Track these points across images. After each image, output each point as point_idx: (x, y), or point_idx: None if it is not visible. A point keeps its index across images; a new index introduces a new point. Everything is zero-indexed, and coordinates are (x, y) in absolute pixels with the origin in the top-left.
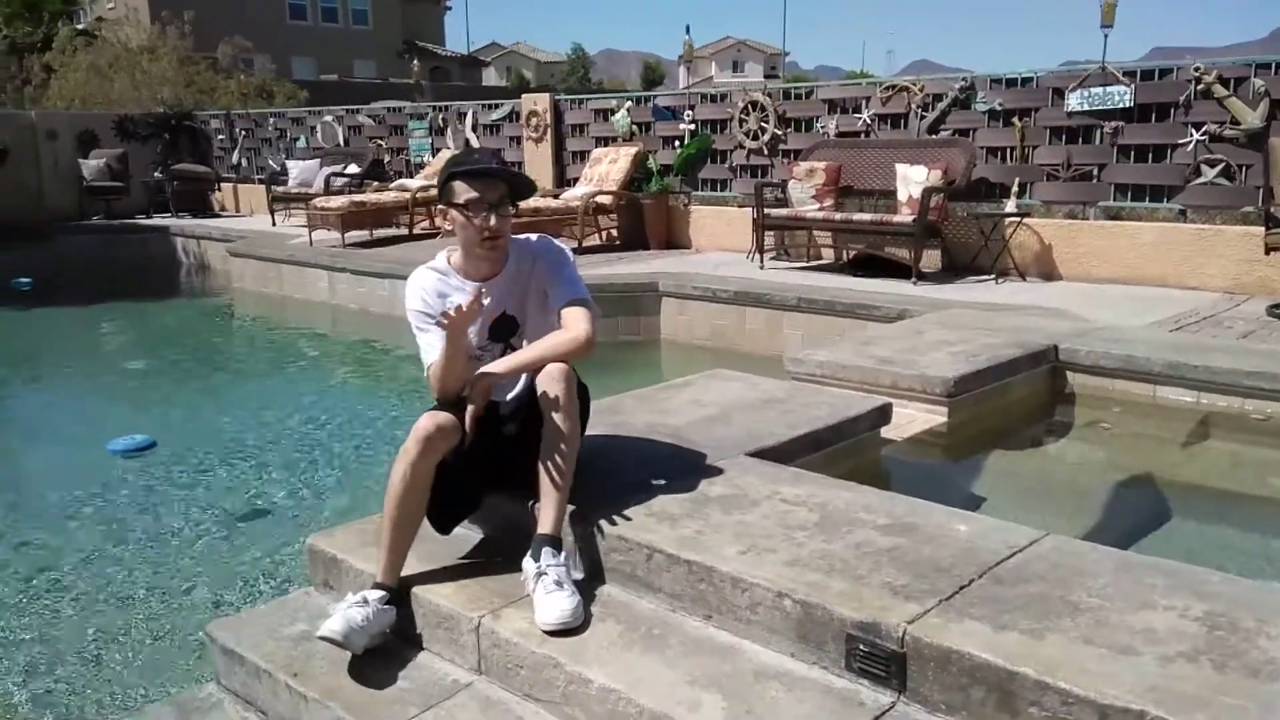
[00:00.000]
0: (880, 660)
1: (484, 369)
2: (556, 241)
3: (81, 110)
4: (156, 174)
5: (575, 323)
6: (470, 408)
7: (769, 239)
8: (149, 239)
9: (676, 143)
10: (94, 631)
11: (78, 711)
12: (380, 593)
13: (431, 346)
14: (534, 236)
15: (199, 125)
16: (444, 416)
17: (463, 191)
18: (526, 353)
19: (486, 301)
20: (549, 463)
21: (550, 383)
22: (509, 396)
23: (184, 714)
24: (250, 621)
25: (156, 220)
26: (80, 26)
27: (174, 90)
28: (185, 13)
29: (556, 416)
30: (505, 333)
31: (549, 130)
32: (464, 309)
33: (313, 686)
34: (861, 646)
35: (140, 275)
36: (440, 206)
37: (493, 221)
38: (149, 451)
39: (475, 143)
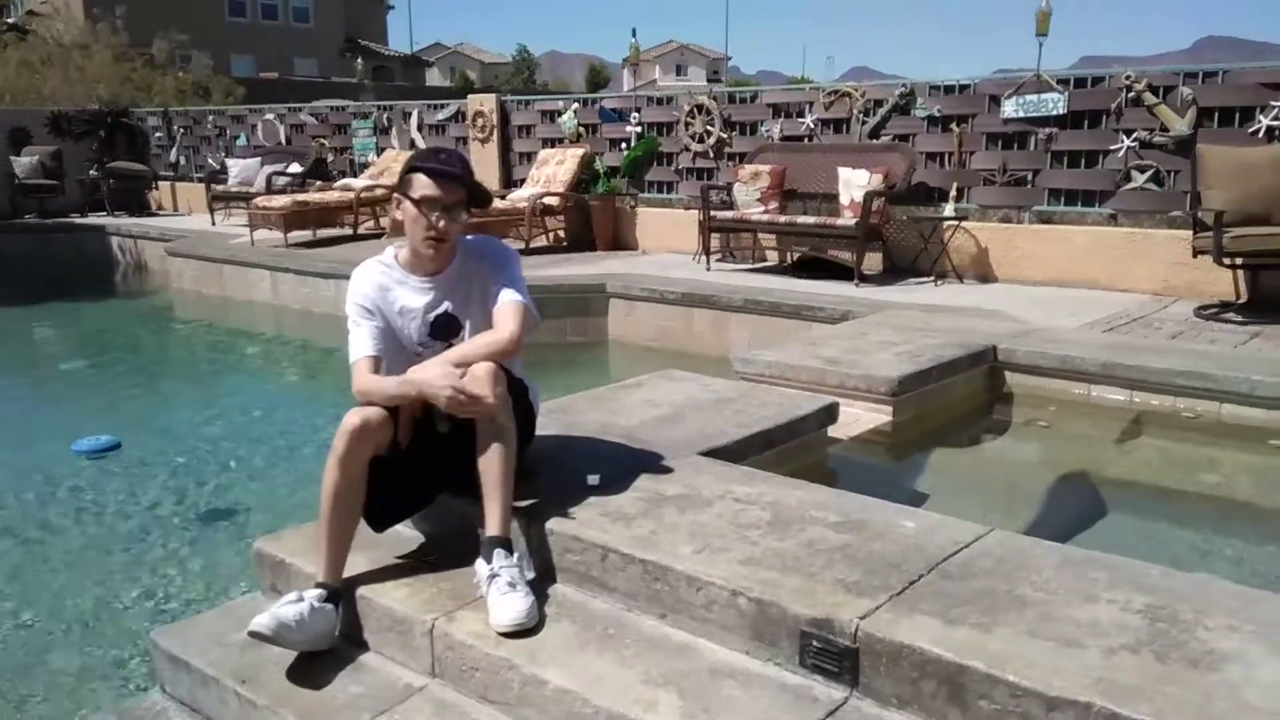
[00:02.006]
0: (833, 656)
1: (413, 369)
2: (503, 243)
3: (13, 106)
4: (92, 172)
5: (503, 322)
6: (403, 410)
7: (715, 241)
8: (84, 238)
9: (623, 145)
10: (32, 638)
11: (15, 716)
12: (318, 591)
13: (361, 341)
14: (481, 237)
15: (135, 122)
16: (371, 411)
17: (421, 187)
18: (453, 352)
19: (428, 296)
20: (486, 463)
21: (476, 383)
22: None
23: None
24: (196, 627)
25: (92, 219)
26: (10, 21)
27: (109, 87)
28: (118, 8)
29: (487, 417)
30: (447, 332)
31: (495, 131)
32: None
33: (262, 693)
34: (815, 643)
35: (76, 275)
36: (395, 195)
37: (442, 224)
38: (113, 452)
39: (421, 143)
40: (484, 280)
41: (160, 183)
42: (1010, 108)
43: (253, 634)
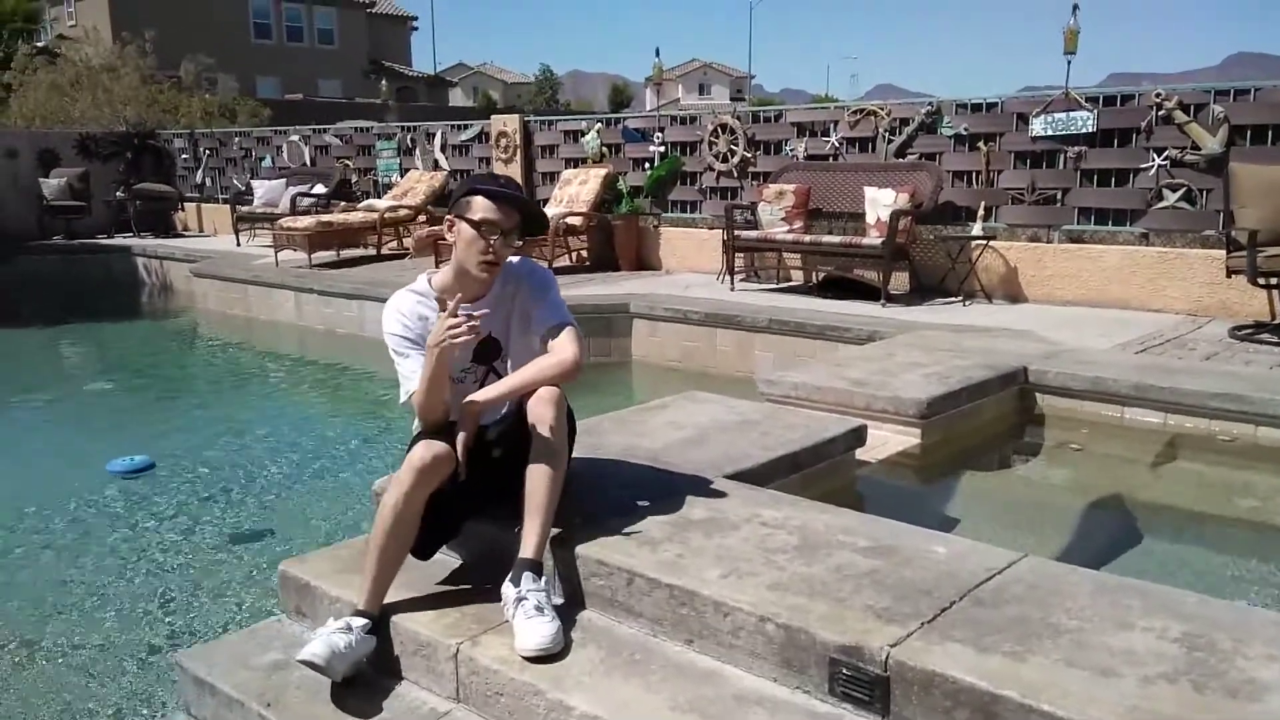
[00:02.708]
0: (864, 684)
1: (473, 396)
2: (540, 265)
3: (42, 129)
4: (119, 193)
5: (563, 346)
6: (461, 436)
7: (739, 261)
8: (111, 259)
9: (646, 164)
10: (60, 657)
11: None
12: (364, 620)
13: (412, 373)
14: (519, 259)
15: (162, 144)
16: (439, 446)
17: (481, 209)
18: (515, 378)
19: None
20: (536, 487)
21: (541, 406)
22: (495, 420)
23: None
24: (221, 650)
25: (119, 240)
26: (40, 44)
27: (137, 109)
28: (146, 31)
29: (545, 440)
30: (488, 355)
31: (518, 151)
32: (456, 321)
33: (287, 717)
34: (845, 670)
35: (102, 296)
36: (449, 216)
37: (500, 248)
38: (147, 472)
39: (444, 163)
40: (523, 302)
41: (186, 204)
42: (1039, 126)
43: (305, 662)
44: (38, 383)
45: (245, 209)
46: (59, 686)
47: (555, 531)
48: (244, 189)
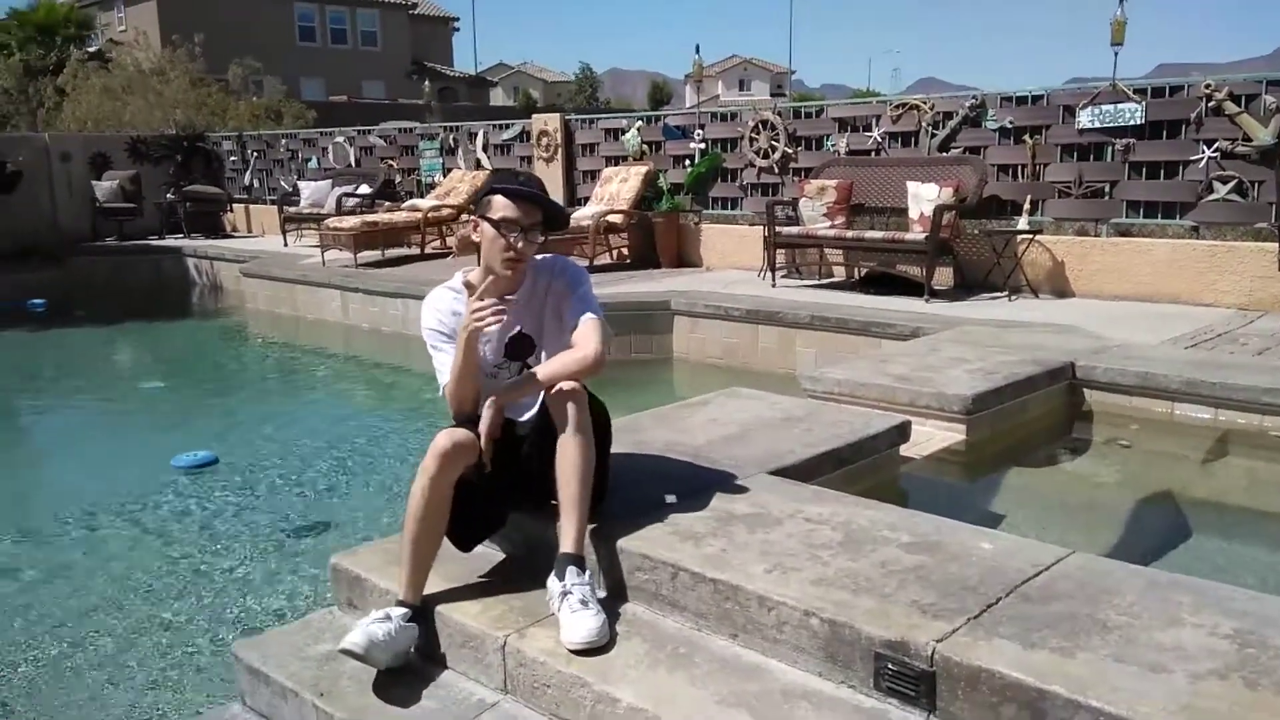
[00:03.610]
0: (909, 679)
1: (497, 390)
2: (573, 261)
3: (94, 132)
4: (169, 195)
5: (585, 341)
6: (482, 426)
7: (780, 257)
8: (162, 260)
9: (687, 161)
10: (121, 646)
11: None
12: (403, 610)
13: (445, 366)
14: (551, 256)
15: (211, 147)
16: (460, 433)
17: (501, 208)
18: (537, 372)
19: (495, 330)
20: (565, 481)
21: (561, 402)
22: (525, 416)
23: None
24: (275, 641)
25: (169, 241)
26: (92, 49)
27: (186, 112)
28: (195, 35)
29: (568, 435)
30: (522, 351)
31: (559, 150)
32: (481, 306)
33: (340, 706)
34: (890, 665)
35: (154, 296)
36: (473, 217)
37: (520, 245)
38: (210, 468)
39: (486, 163)
40: (556, 299)
41: (235, 205)
42: (1086, 118)
43: (344, 651)
44: (95, 381)
45: (292, 210)
46: (119, 674)
47: (594, 526)
48: (291, 190)
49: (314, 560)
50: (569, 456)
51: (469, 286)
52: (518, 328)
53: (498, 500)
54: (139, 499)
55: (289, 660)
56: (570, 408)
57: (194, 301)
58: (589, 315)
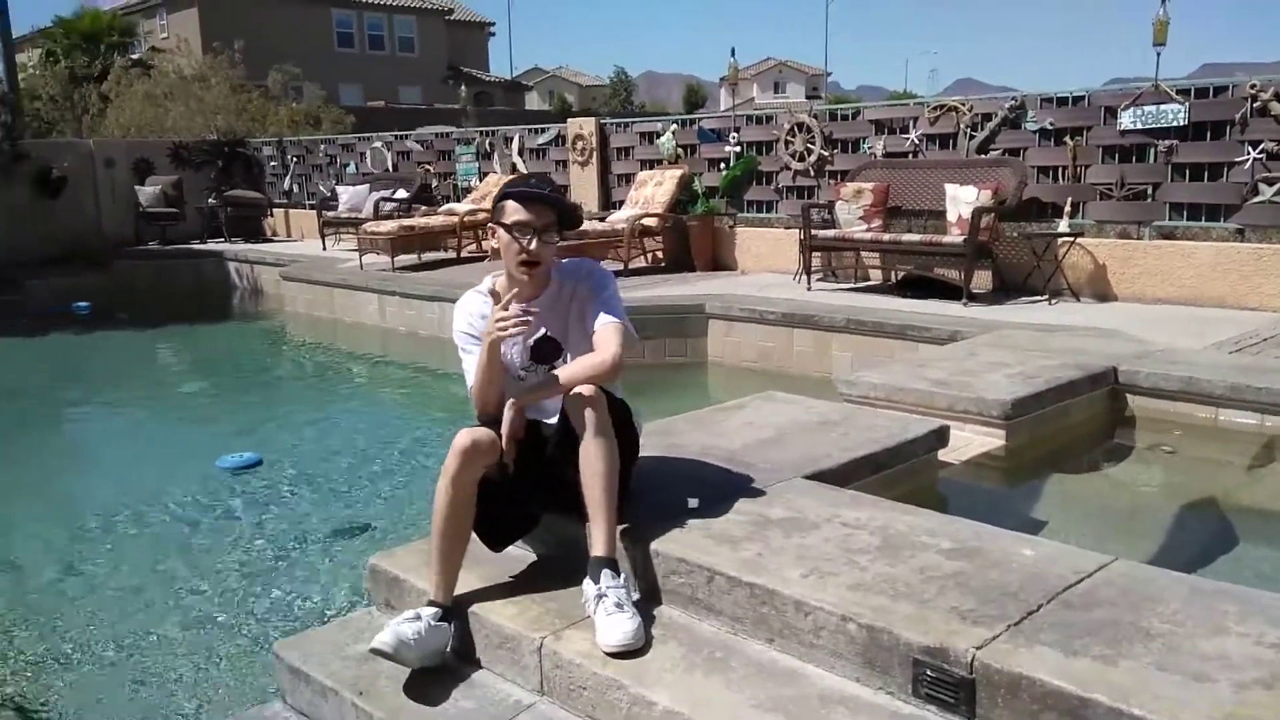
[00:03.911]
0: (949, 686)
1: (516, 392)
2: (599, 265)
3: (137, 138)
4: (210, 200)
5: (604, 345)
6: (505, 429)
7: (816, 260)
8: (204, 264)
9: (722, 165)
10: (163, 645)
11: None
12: (433, 610)
13: (473, 368)
14: (578, 260)
15: (251, 152)
16: (480, 432)
17: (513, 212)
18: (556, 375)
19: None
20: (589, 485)
21: (578, 406)
22: (552, 418)
23: None
24: (316, 640)
25: (211, 245)
26: (135, 57)
27: (227, 118)
28: (236, 42)
29: (589, 438)
30: (548, 355)
31: (594, 154)
32: (504, 316)
33: (378, 705)
34: (929, 672)
35: (196, 299)
36: (490, 224)
37: (533, 246)
38: (255, 468)
39: (522, 167)
40: (581, 303)
41: (274, 210)
42: (1128, 119)
43: (374, 651)
44: (139, 383)
45: (331, 214)
46: (161, 671)
47: (626, 528)
48: (329, 195)
49: (354, 561)
50: (590, 460)
51: (494, 295)
52: (543, 331)
53: (525, 501)
54: (184, 499)
55: (329, 659)
56: (588, 412)
57: (235, 305)
58: (610, 319)
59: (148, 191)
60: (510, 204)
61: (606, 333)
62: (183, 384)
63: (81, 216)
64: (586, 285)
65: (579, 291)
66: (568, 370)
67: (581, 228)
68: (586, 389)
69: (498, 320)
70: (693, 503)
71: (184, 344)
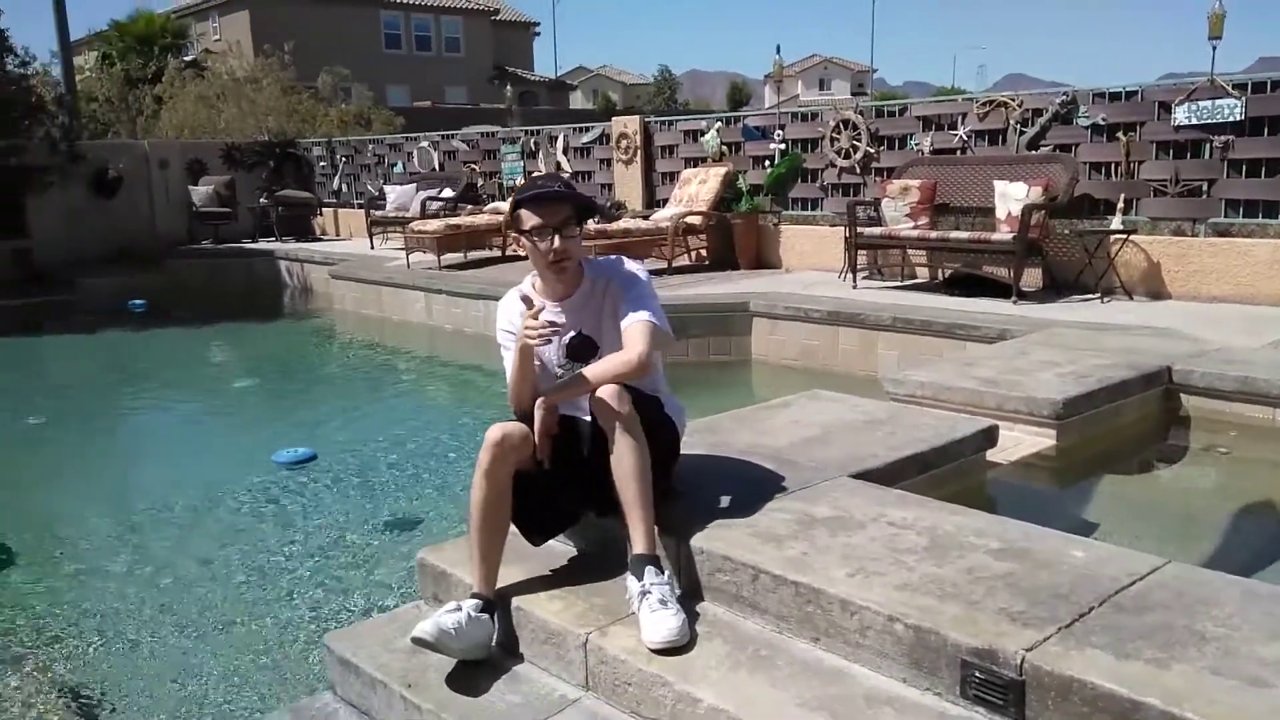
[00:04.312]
0: (998, 688)
1: (546, 391)
2: (631, 263)
3: (190, 139)
4: (262, 200)
5: (631, 343)
6: (537, 427)
7: (861, 258)
8: (255, 263)
9: (766, 162)
10: (220, 635)
11: (196, 713)
12: (475, 601)
13: (512, 364)
14: (609, 258)
15: (301, 152)
16: (512, 426)
17: (528, 218)
18: (584, 374)
19: (561, 320)
20: (622, 483)
21: (604, 405)
22: (589, 416)
23: None
24: (365, 632)
25: (262, 244)
26: (188, 59)
27: (278, 119)
28: (286, 44)
29: (617, 437)
30: (584, 353)
31: (639, 152)
32: (534, 317)
33: (426, 698)
34: (977, 674)
35: (247, 297)
36: (512, 234)
37: (557, 244)
38: (309, 464)
39: (567, 166)
40: (613, 300)
41: (324, 209)
42: (1182, 115)
43: (415, 640)
44: (193, 379)
45: (378, 213)
46: (215, 660)
47: (674, 526)
48: (377, 194)
49: (406, 554)
50: (621, 459)
51: (526, 300)
52: (578, 329)
53: (562, 496)
54: (241, 493)
55: (378, 652)
56: (612, 411)
57: (285, 303)
58: (638, 317)
59: (201, 191)
60: (523, 211)
61: (634, 330)
62: (235, 380)
63: (137, 216)
64: (617, 283)
65: (610, 289)
66: (594, 369)
67: (626, 226)
68: (608, 389)
69: (526, 328)
70: (761, 503)
71: (236, 341)
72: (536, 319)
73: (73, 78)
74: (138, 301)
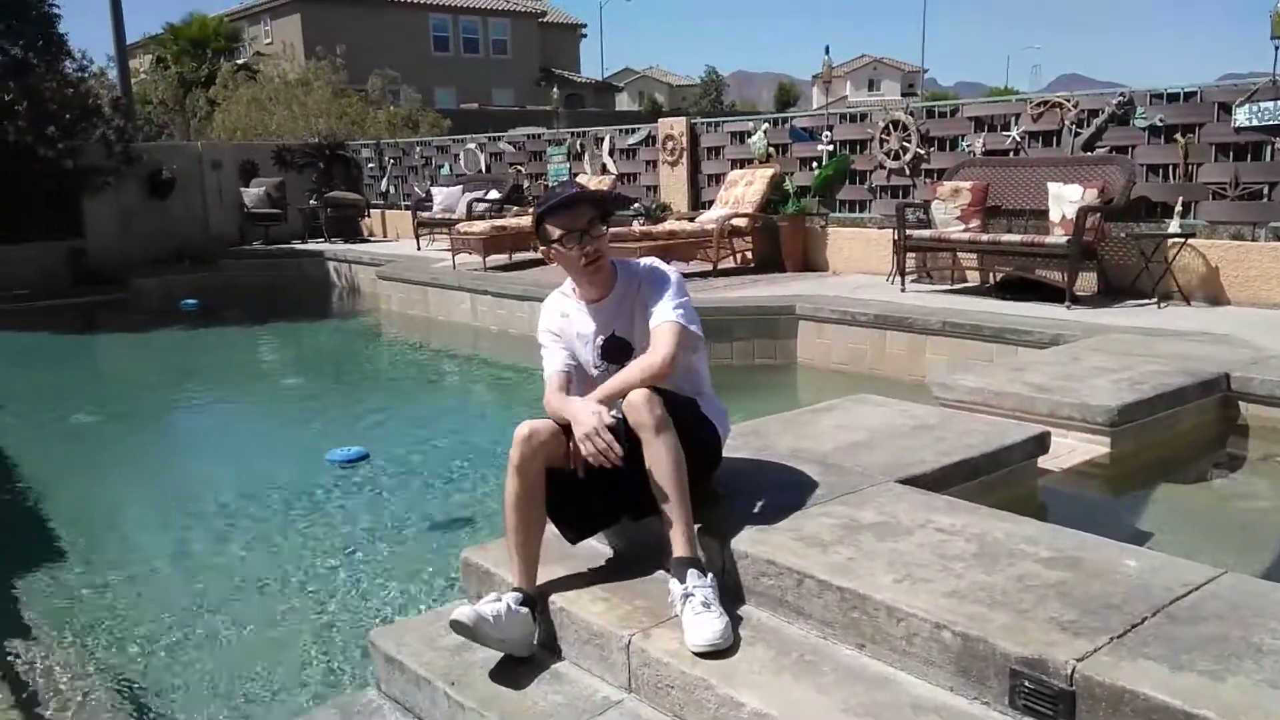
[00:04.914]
0: (1047, 698)
1: (570, 399)
2: (661, 263)
3: (243, 141)
4: (311, 201)
5: (658, 345)
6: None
7: (910, 261)
8: (304, 263)
9: (814, 164)
10: (269, 630)
11: (244, 707)
12: (516, 594)
13: (551, 359)
14: (642, 260)
15: (351, 154)
16: (540, 422)
17: (554, 229)
18: (612, 382)
19: (596, 326)
20: (657, 487)
21: (633, 410)
22: (621, 418)
23: (346, 718)
24: (410, 630)
25: (311, 245)
26: (241, 62)
27: (328, 121)
28: (337, 47)
29: (649, 440)
30: (618, 354)
31: (685, 154)
32: (599, 434)
33: (469, 695)
34: (1027, 683)
35: (297, 297)
36: (542, 248)
37: (587, 247)
38: (362, 462)
39: (613, 167)
40: (644, 301)
41: (372, 210)
42: (1243, 116)
43: (453, 624)
44: (246, 377)
45: (425, 215)
46: (263, 655)
47: (719, 525)
48: (424, 196)
49: (453, 554)
50: (657, 462)
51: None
52: (612, 331)
53: (598, 497)
54: (294, 490)
55: (422, 649)
56: (643, 415)
57: (333, 303)
58: (665, 319)
59: (252, 193)
60: (547, 224)
61: (661, 332)
62: (286, 378)
63: (190, 217)
64: (648, 283)
65: (642, 289)
66: (622, 375)
67: (671, 228)
68: (638, 394)
69: (585, 435)
70: (806, 507)
71: (286, 340)
72: (603, 438)
73: (129, 80)
74: (190, 300)
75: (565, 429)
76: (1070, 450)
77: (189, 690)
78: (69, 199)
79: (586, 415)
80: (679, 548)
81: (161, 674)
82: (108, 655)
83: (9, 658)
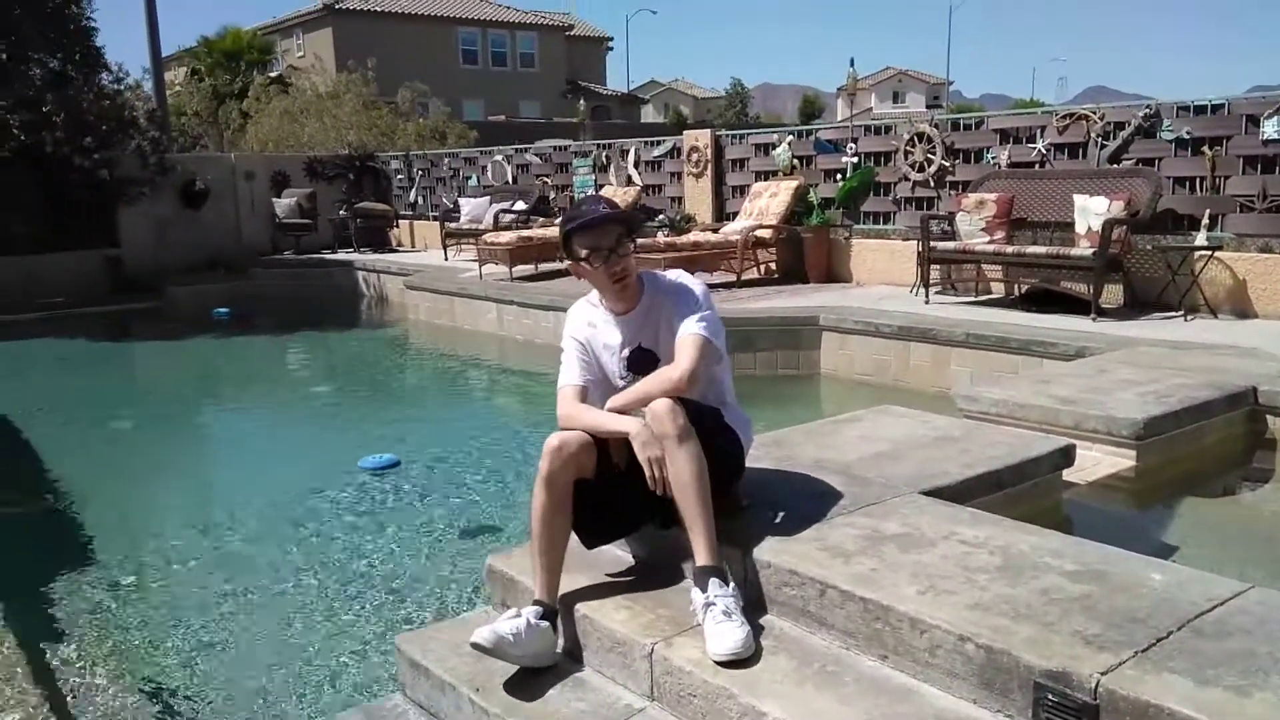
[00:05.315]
0: (1071, 712)
1: (610, 408)
2: (687, 275)
3: (275, 152)
4: (341, 212)
5: (679, 359)
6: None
7: (934, 273)
8: (334, 272)
9: (838, 176)
10: (297, 634)
11: (271, 709)
12: (535, 609)
13: (569, 370)
14: (667, 272)
15: (380, 166)
16: (570, 435)
17: (581, 247)
18: (631, 392)
19: (622, 339)
20: (680, 496)
21: (657, 420)
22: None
23: None
24: (435, 636)
25: (341, 255)
26: (273, 75)
27: (358, 133)
28: (368, 60)
29: (671, 450)
30: (643, 366)
31: (709, 165)
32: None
33: (494, 702)
34: (1050, 696)
35: (326, 307)
36: (569, 266)
37: (614, 266)
38: (394, 469)
39: (637, 179)
40: (669, 314)
41: (400, 221)
42: (1271, 128)
43: (473, 645)
44: (277, 385)
45: (453, 225)
46: (290, 659)
47: (741, 535)
48: (452, 207)
49: (479, 560)
50: (679, 472)
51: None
52: (639, 343)
53: (623, 505)
54: (325, 496)
55: (447, 656)
56: (663, 425)
57: (362, 312)
58: (688, 332)
59: (284, 203)
60: (575, 241)
61: (683, 345)
62: (317, 386)
63: (223, 226)
64: (672, 297)
65: (667, 303)
66: (642, 386)
67: (696, 239)
68: (661, 404)
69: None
70: (829, 518)
71: (317, 348)
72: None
73: (164, 92)
74: (222, 309)
75: (596, 440)
76: (1095, 463)
77: (215, 692)
78: (105, 209)
79: (638, 428)
80: (701, 556)
81: (187, 675)
82: (141, 655)
83: (46, 657)
